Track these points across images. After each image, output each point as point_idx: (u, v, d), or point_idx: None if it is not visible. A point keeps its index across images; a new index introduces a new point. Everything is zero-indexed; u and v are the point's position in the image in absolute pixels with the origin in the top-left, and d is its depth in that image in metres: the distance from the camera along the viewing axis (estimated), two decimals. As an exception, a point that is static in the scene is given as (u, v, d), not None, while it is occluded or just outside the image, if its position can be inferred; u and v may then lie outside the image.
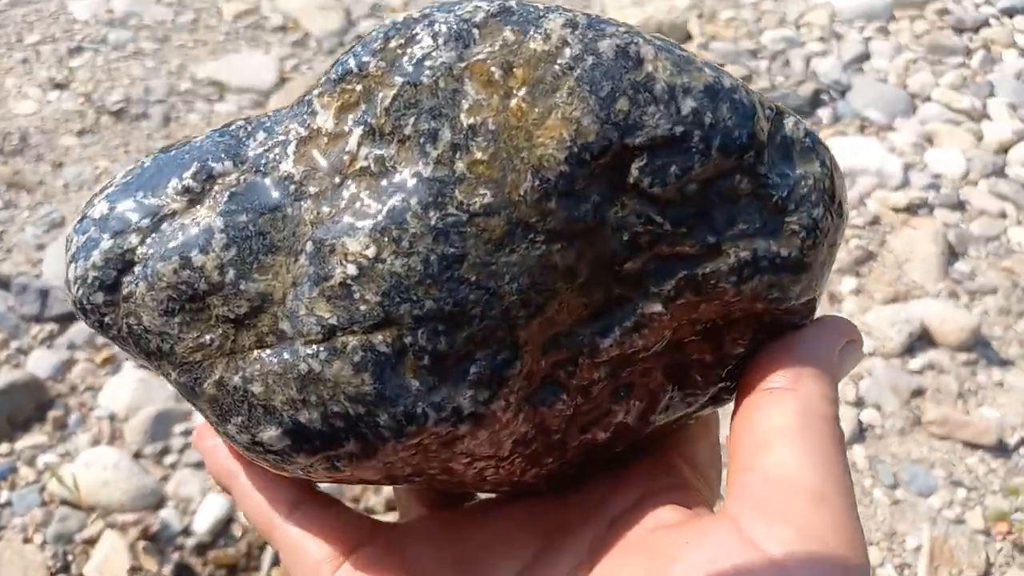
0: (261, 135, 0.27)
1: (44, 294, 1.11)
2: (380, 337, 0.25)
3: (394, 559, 0.30)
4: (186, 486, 0.95)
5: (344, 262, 0.25)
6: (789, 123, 0.28)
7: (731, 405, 0.31)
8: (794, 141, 0.28)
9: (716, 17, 1.80)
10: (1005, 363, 1.13)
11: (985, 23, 1.77)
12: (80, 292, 0.27)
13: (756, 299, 0.28)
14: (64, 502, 0.93)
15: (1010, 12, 1.80)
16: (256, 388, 0.26)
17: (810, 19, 1.79)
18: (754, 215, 0.27)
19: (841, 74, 1.66)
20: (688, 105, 0.26)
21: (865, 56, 1.71)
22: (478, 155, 0.25)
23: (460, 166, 0.25)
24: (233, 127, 0.28)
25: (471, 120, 0.25)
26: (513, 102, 0.25)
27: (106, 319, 0.27)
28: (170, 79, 1.57)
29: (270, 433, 0.26)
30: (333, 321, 0.25)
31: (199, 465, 0.96)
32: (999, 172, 1.43)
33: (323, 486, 0.31)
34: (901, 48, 1.73)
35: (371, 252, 0.25)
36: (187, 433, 1.00)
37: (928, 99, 1.60)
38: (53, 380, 1.04)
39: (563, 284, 0.26)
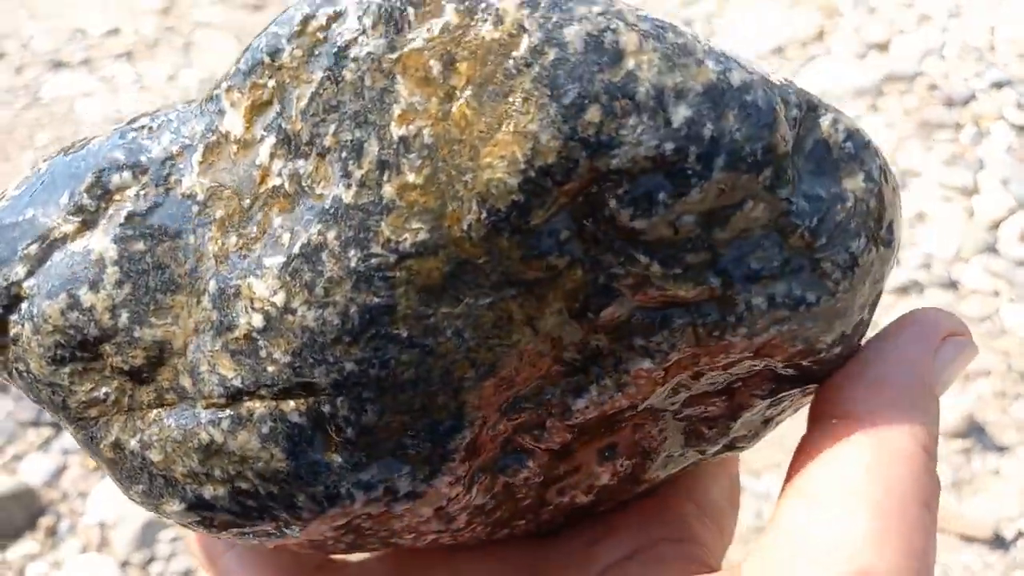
0: (166, 137, 0.23)
1: (40, 400, 1.14)
2: (292, 404, 0.21)
3: None
4: (172, 595, 0.95)
5: (249, 309, 0.21)
6: (825, 122, 0.22)
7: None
8: (831, 147, 0.22)
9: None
10: (1001, 449, 1.11)
11: (973, 97, 1.78)
12: None
13: (774, 353, 0.22)
14: (50, 615, 0.93)
15: (998, 84, 1.82)
16: (154, 456, 0.22)
17: (800, 98, 1.82)
18: (772, 251, 0.21)
19: (831, 152, 1.67)
20: (681, 114, 0.20)
21: (855, 133, 1.73)
22: (411, 177, 0.20)
23: (388, 191, 0.20)
24: (137, 124, 0.24)
25: (403, 131, 0.20)
26: (455, 107, 0.20)
27: None
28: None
29: (173, 507, 0.23)
30: (237, 382, 0.21)
31: (185, 574, 0.96)
32: (991, 249, 1.43)
33: None
34: (891, 124, 1.75)
35: (280, 299, 0.21)
36: (175, 540, 1.00)
37: (919, 175, 1.61)
38: (46, 486, 1.06)
39: (522, 336, 0.21)
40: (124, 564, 0.98)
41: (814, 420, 0.22)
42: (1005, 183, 1.57)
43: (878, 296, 0.23)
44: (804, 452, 0.21)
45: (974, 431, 1.13)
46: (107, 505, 1.03)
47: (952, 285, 1.36)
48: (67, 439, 1.11)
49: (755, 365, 0.23)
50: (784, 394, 0.24)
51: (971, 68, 1.88)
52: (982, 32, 2.01)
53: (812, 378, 0.23)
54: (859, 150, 0.22)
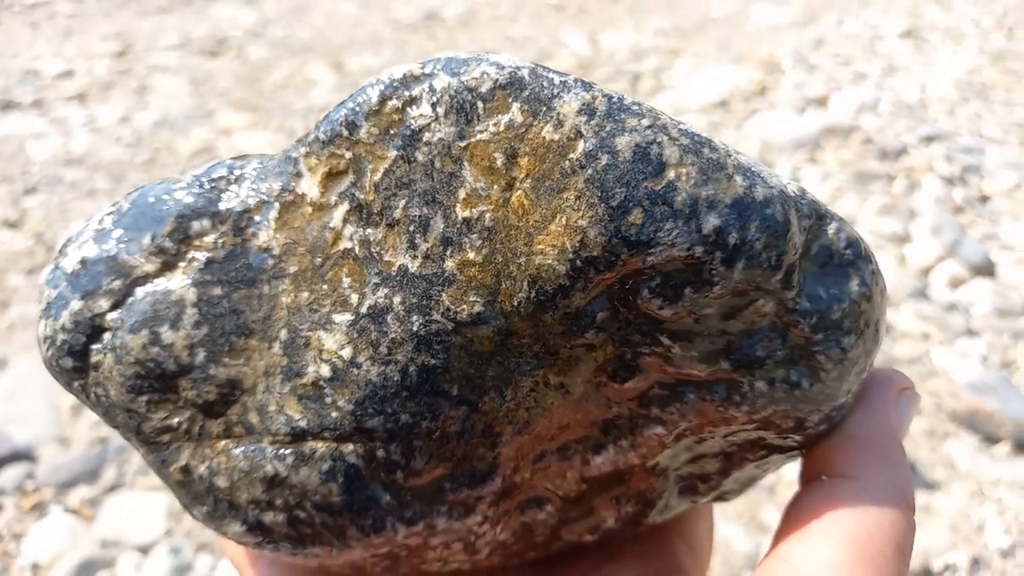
0: (244, 188, 0.25)
1: (-23, 439, 1.11)
2: (351, 447, 0.23)
3: None
4: (106, 639, 0.93)
5: (318, 360, 0.23)
6: (831, 229, 0.25)
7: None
8: (833, 253, 0.24)
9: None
10: (930, 486, 1.15)
11: (905, 151, 1.87)
12: (50, 353, 0.25)
13: (769, 427, 0.25)
14: (-22, 660, 0.91)
15: (929, 139, 1.91)
16: (221, 482, 0.24)
17: (741, 147, 1.89)
18: (776, 342, 0.24)
19: (772, 201, 1.73)
20: (711, 222, 0.22)
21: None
22: (471, 255, 0.23)
23: (450, 265, 0.23)
24: (215, 175, 0.26)
25: (467, 212, 0.23)
26: (515, 196, 0.23)
27: (75, 384, 0.25)
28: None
29: (234, 529, 0.25)
30: (303, 424, 0.24)
31: (121, 616, 0.95)
32: (921, 294, 1.49)
33: None
34: (828, 175, 1.82)
35: (347, 353, 0.23)
36: (111, 582, 0.98)
37: (854, 224, 1.68)
38: (-21, 528, 1.03)
39: (555, 400, 0.24)
40: (57, 607, 0.96)
41: (806, 479, 0.25)
42: (935, 232, 1.64)
43: (860, 379, 0.26)
44: (798, 502, 0.24)
45: (905, 469, 1.16)
46: (43, 546, 1.01)
47: (884, 329, 1.41)
48: (3, 480, 1.09)
49: (751, 435, 0.26)
50: (771, 458, 0.27)
51: (904, 123, 1.97)
52: (914, 90, 2.12)
53: (798, 447, 0.26)
54: (856, 257, 0.25)
